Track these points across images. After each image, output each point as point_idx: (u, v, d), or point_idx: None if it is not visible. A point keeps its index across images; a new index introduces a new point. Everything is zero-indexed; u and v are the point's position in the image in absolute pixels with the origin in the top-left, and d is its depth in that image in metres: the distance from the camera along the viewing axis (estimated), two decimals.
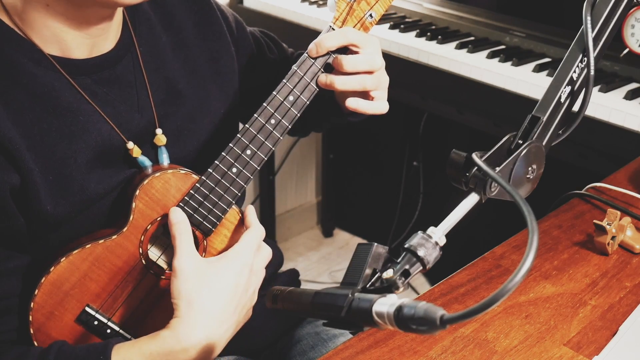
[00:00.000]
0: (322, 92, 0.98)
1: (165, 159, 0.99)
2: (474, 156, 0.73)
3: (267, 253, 0.97)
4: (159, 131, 0.99)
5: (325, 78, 0.96)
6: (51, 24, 0.88)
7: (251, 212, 0.98)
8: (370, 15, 0.96)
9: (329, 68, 0.97)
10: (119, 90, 0.96)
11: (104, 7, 0.90)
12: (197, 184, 0.94)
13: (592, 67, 0.84)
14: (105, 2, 0.86)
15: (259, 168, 0.96)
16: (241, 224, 0.99)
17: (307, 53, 0.95)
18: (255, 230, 0.95)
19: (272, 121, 0.95)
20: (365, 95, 1.00)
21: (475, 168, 0.73)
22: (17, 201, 0.86)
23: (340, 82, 0.96)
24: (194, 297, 0.87)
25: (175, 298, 0.87)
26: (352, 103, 0.99)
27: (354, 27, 0.96)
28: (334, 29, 0.95)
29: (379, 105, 1.02)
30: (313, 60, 0.95)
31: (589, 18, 0.84)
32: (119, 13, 0.96)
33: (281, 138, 0.96)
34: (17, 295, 0.90)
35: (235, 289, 0.91)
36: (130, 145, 0.95)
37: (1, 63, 0.87)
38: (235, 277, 0.91)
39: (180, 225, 0.91)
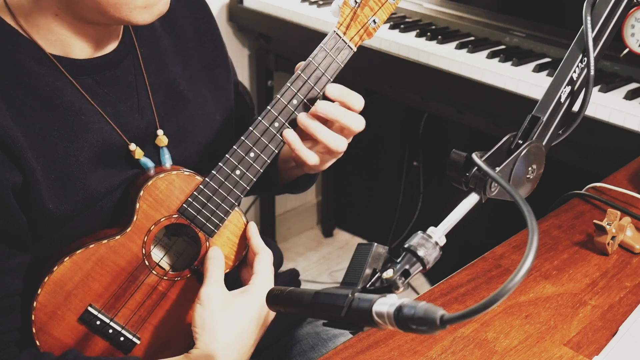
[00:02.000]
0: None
1: (167, 159, 0.99)
2: (474, 156, 0.73)
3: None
4: (160, 132, 0.99)
5: (305, 121, 0.94)
6: (58, 30, 0.89)
7: (255, 233, 0.99)
8: (374, 21, 0.97)
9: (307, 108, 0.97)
10: (119, 91, 0.96)
11: (114, 24, 0.90)
12: (200, 186, 0.94)
13: (592, 67, 0.84)
14: (118, 21, 0.87)
15: (262, 171, 0.96)
16: (243, 229, 0.99)
17: (310, 58, 0.95)
18: (266, 256, 0.97)
19: (276, 124, 0.95)
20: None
21: (475, 168, 0.73)
22: (19, 199, 0.86)
23: (321, 132, 0.95)
24: (217, 329, 0.89)
25: (198, 327, 0.89)
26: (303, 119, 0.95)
27: (357, 32, 0.96)
28: (338, 35, 0.95)
29: (309, 155, 0.98)
30: (317, 65, 0.95)
31: (589, 18, 0.84)
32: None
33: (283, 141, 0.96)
34: (19, 293, 0.90)
35: (257, 323, 0.93)
36: (133, 147, 0.96)
37: (3, 62, 0.87)
38: (258, 312, 0.93)
39: (217, 260, 0.94)
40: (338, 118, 0.95)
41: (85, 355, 0.92)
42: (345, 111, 0.96)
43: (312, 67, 0.95)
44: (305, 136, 0.98)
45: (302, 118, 0.95)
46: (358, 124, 0.97)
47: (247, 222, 1.00)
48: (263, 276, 0.95)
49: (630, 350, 0.85)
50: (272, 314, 0.97)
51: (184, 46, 1.06)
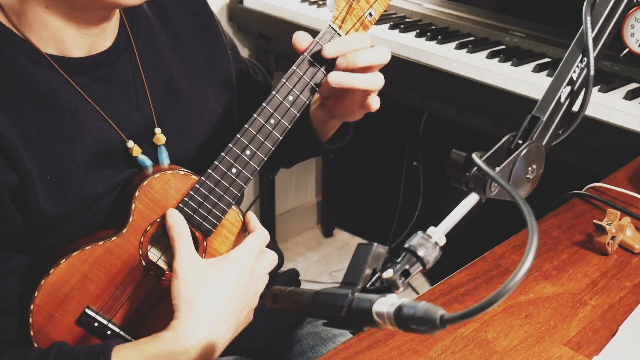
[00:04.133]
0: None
1: (165, 158, 0.99)
2: (474, 156, 0.73)
3: (271, 258, 0.97)
4: (157, 130, 0.99)
5: (341, 77, 0.93)
6: (50, 25, 0.88)
7: (253, 218, 0.99)
8: (370, 14, 0.96)
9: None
10: (117, 89, 0.96)
11: (104, 9, 0.90)
12: (196, 185, 0.94)
13: (592, 67, 0.84)
14: (106, 3, 0.86)
15: (258, 168, 0.96)
16: (241, 226, 0.99)
17: (306, 53, 0.95)
18: (259, 233, 0.96)
19: (272, 121, 0.94)
20: (362, 97, 0.99)
21: (475, 168, 0.73)
22: (16, 201, 0.86)
23: (359, 80, 0.94)
24: (194, 298, 0.87)
25: (176, 299, 0.87)
26: (376, 102, 0.97)
27: (353, 25, 0.96)
28: (334, 29, 0.95)
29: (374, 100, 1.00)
30: (312, 60, 0.95)
31: (589, 18, 0.84)
32: (116, 12, 0.96)
33: (281, 138, 0.96)
34: (17, 295, 0.90)
35: (235, 289, 0.90)
36: (130, 144, 0.95)
37: None
38: (235, 278, 0.91)
39: (179, 226, 0.91)
40: (364, 63, 0.93)
41: (69, 345, 0.90)
42: (364, 53, 0.94)
43: (308, 62, 0.95)
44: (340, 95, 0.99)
45: (333, 76, 0.93)
46: (383, 54, 0.95)
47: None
48: (246, 247, 0.93)
49: (630, 350, 0.85)
50: (257, 281, 0.94)
51: (182, 41, 1.06)
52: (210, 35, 1.09)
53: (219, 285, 0.89)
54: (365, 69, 0.95)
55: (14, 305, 0.90)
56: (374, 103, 0.99)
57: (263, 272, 0.95)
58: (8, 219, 0.86)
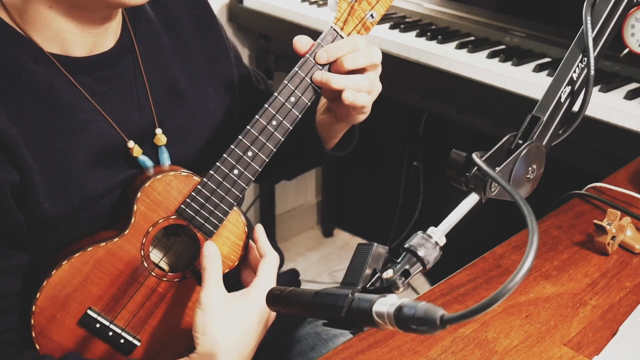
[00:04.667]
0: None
1: (166, 159, 0.99)
2: (474, 156, 0.73)
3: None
4: (158, 131, 0.99)
5: (321, 75, 0.94)
6: (53, 24, 0.88)
7: (262, 236, 0.99)
8: (372, 15, 0.96)
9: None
10: (118, 89, 0.96)
11: (108, 9, 0.90)
12: (198, 186, 0.94)
13: (592, 67, 0.84)
14: (110, 3, 0.87)
15: (260, 170, 0.96)
16: (243, 228, 0.99)
17: (308, 55, 0.95)
18: (271, 260, 0.97)
19: (274, 122, 0.95)
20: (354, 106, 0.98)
21: (475, 168, 0.73)
22: (17, 199, 0.86)
23: (337, 80, 0.94)
24: (218, 333, 0.88)
25: (198, 332, 0.88)
26: (349, 95, 0.94)
27: (355, 27, 0.96)
28: (335, 30, 0.95)
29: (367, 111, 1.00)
30: (314, 61, 0.95)
31: (589, 18, 0.84)
32: (119, 12, 0.96)
33: (282, 139, 0.96)
34: (17, 294, 0.90)
35: (258, 326, 0.93)
36: (131, 144, 0.95)
37: (1, 61, 0.87)
38: (259, 315, 0.93)
39: (213, 258, 0.92)
40: (352, 66, 0.94)
41: (86, 358, 0.92)
42: (351, 56, 0.94)
43: (309, 63, 0.95)
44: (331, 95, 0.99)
45: (315, 75, 0.94)
46: (372, 55, 0.95)
47: (247, 221, 1.00)
48: (265, 279, 0.95)
49: (630, 350, 0.85)
50: (273, 316, 0.97)
51: (184, 43, 1.06)
52: (213, 38, 1.10)
53: (243, 323, 0.91)
54: (356, 71, 0.95)
55: (14, 304, 0.90)
56: (348, 96, 0.94)
57: None
58: (9, 217, 0.86)
